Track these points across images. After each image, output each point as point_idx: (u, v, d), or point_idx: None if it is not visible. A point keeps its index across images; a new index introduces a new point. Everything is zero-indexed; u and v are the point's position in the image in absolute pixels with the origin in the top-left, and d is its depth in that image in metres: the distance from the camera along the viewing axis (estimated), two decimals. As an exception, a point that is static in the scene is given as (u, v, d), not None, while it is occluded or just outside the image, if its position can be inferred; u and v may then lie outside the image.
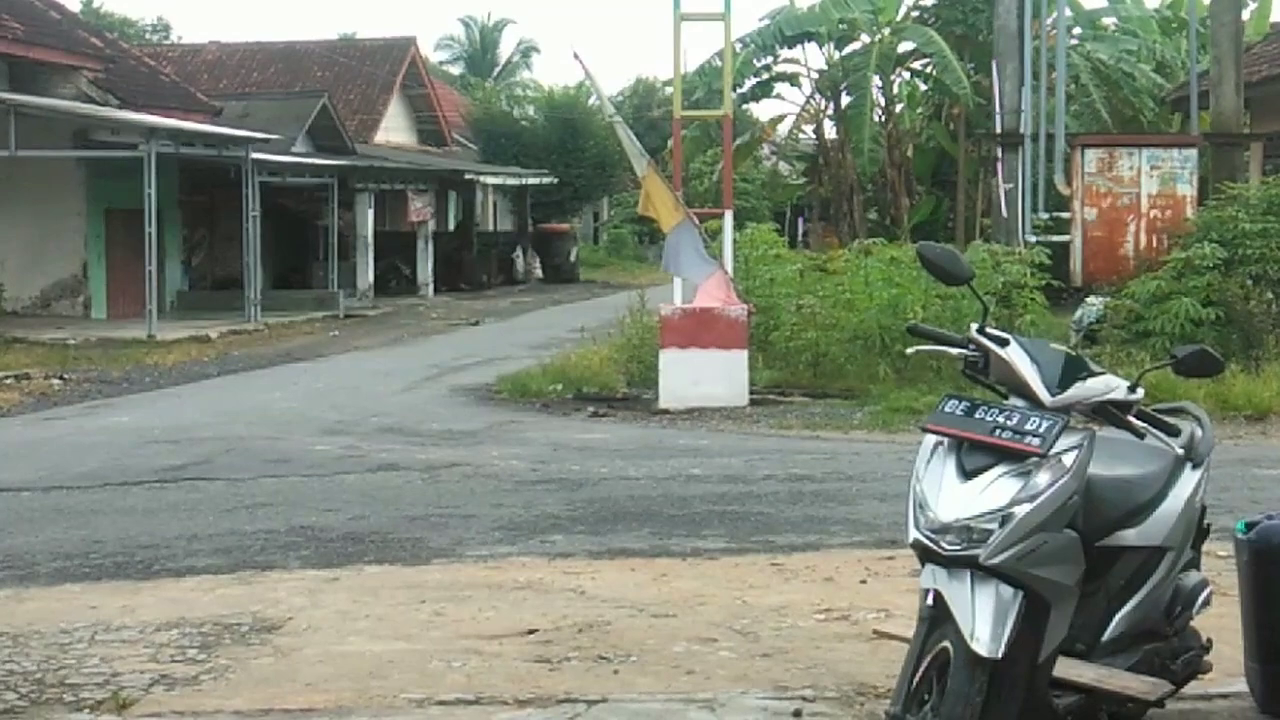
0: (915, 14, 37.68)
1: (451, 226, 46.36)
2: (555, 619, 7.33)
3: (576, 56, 36.74)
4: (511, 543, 9.47)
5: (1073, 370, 4.96)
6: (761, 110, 43.09)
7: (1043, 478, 4.67)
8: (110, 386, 20.03)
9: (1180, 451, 5.30)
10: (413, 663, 6.61)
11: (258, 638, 7.09)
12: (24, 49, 28.40)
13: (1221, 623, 6.00)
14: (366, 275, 36.53)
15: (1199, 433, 5.52)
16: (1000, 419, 4.78)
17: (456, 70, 73.72)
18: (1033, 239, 22.31)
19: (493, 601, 7.76)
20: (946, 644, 4.67)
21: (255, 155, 30.27)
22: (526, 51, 75.38)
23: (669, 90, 36.83)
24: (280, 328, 28.93)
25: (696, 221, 17.23)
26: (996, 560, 4.60)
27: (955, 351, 5.24)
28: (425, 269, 39.79)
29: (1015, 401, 4.89)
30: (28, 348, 23.85)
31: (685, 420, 15.95)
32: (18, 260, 29.44)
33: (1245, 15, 28.04)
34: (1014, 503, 4.64)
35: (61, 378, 20.59)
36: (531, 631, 7.12)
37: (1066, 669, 5.00)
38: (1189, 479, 5.38)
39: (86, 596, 8.07)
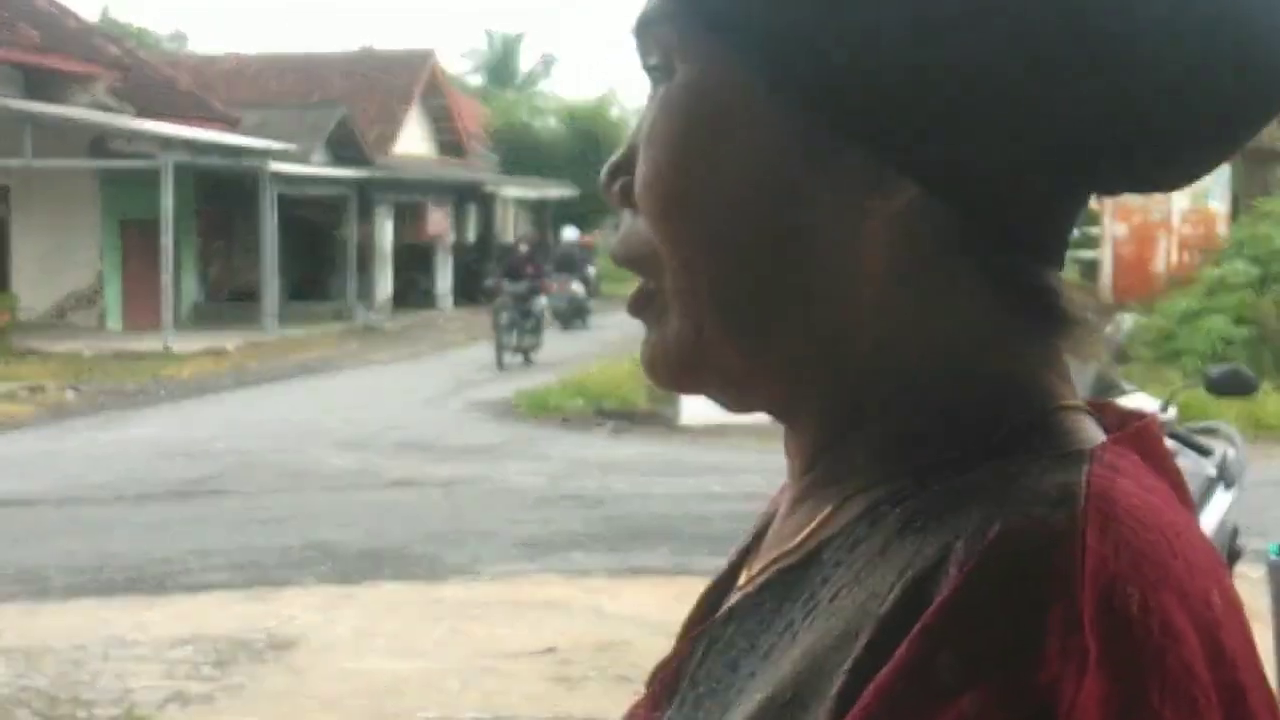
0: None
1: (471, 239, 46.40)
2: (574, 638, 7.26)
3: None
4: (530, 560, 9.39)
5: (1103, 389, 4.88)
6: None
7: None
8: (125, 399, 20.01)
9: (1213, 472, 5.23)
10: (429, 681, 6.55)
11: (272, 655, 7.03)
12: (40, 57, 28.44)
13: (1253, 647, 5.90)
14: (385, 287, 36.55)
15: (1232, 453, 5.44)
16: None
17: (477, 81, 73.91)
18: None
19: (511, 619, 7.69)
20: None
21: (273, 166, 30.27)
22: (547, 62, 75.56)
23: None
24: (297, 340, 28.88)
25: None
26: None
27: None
28: (444, 282, 39.79)
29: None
30: (42, 359, 23.83)
31: (706, 437, 15.86)
32: (32, 271, 29.42)
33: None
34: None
35: (76, 390, 20.58)
36: (550, 650, 7.06)
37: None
38: (1221, 500, 5.29)
39: (100, 612, 8.01)
